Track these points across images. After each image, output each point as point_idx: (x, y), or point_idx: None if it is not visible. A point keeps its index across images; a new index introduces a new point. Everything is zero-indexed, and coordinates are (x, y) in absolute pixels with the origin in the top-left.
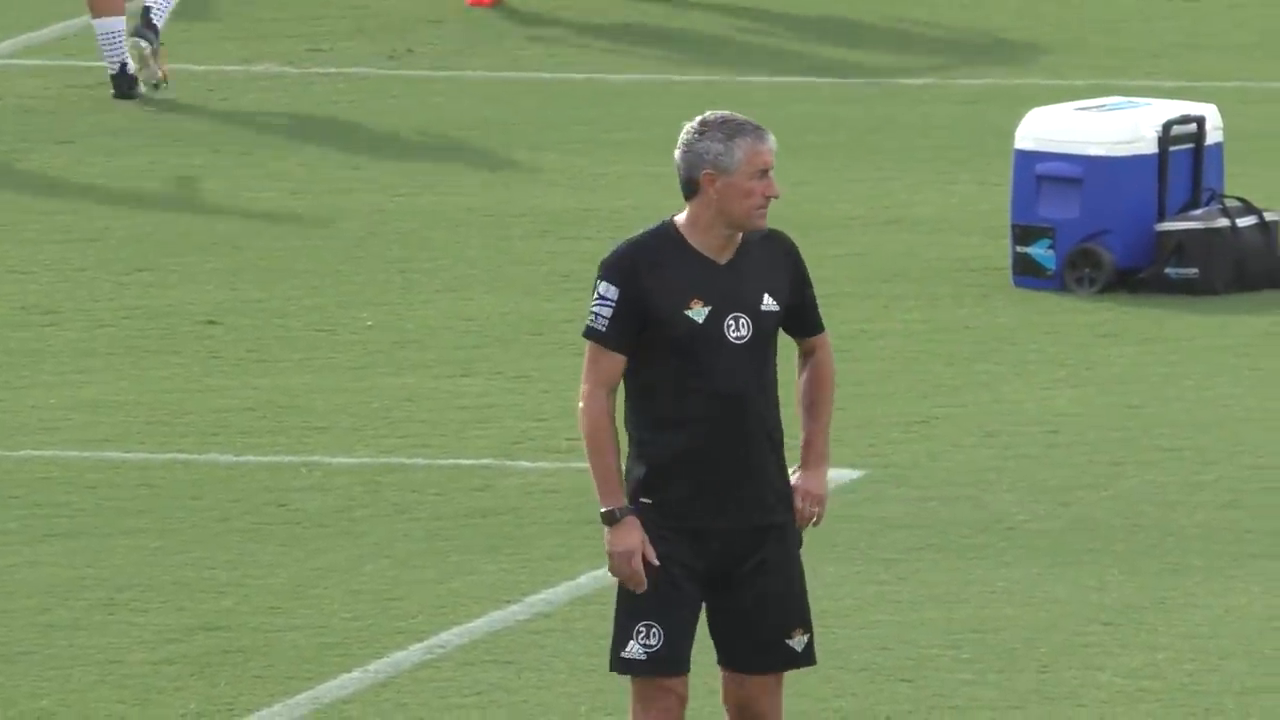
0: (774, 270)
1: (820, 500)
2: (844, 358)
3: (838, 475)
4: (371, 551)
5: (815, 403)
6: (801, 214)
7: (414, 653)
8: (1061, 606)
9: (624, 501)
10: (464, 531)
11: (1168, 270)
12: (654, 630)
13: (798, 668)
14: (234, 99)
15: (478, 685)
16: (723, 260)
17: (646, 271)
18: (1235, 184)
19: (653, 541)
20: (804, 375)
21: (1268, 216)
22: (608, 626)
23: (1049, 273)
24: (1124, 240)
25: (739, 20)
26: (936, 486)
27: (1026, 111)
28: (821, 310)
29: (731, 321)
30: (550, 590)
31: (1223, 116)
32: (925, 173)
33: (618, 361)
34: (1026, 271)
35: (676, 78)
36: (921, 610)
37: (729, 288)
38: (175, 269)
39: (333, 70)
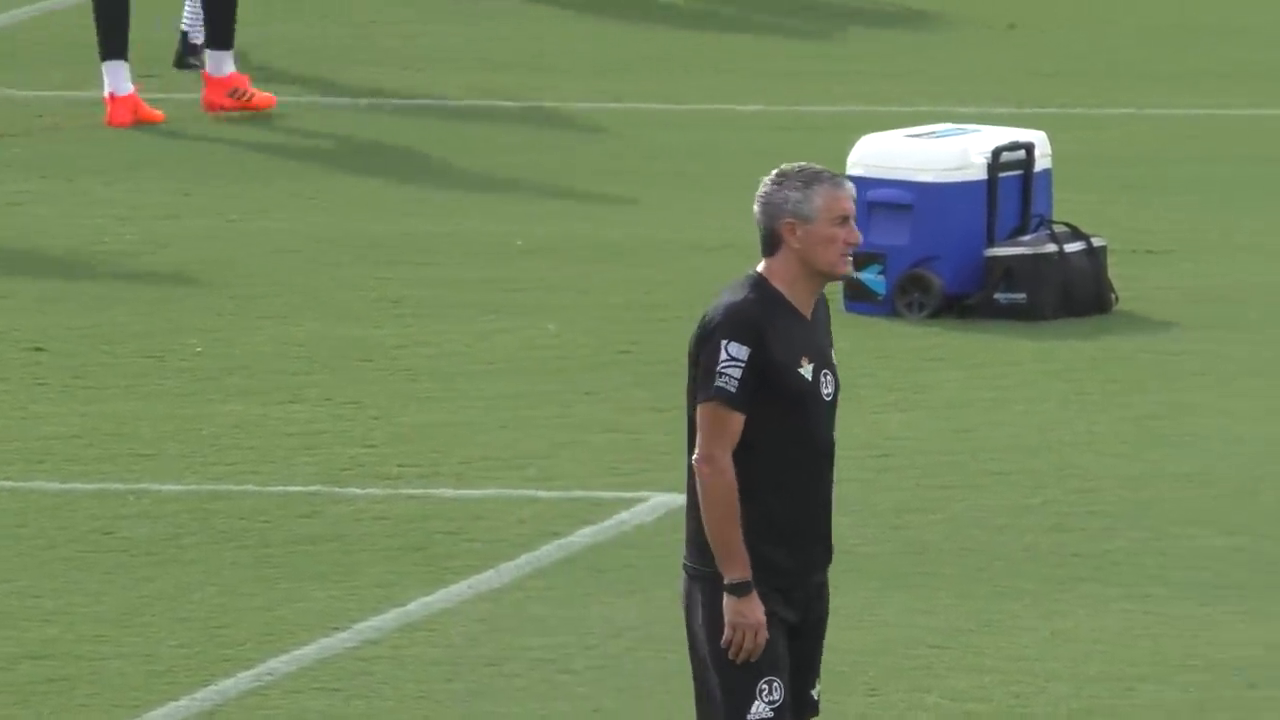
0: (828, 325)
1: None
2: (673, 382)
3: (671, 500)
4: (199, 579)
5: None
6: (630, 239)
7: (241, 680)
8: (891, 629)
9: (751, 572)
10: (292, 558)
11: (996, 295)
12: (775, 685)
13: (815, 717)
14: (61, 124)
15: (305, 713)
16: (808, 315)
17: (769, 330)
18: (1063, 210)
19: (763, 598)
20: None
21: (1095, 242)
22: (437, 653)
23: (879, 298)
24: (953, 266)
25: (566, 41)
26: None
27: (857, 138)
28: (656, 336)
29: (823, 378)
30: (379, 617)
31: (1051, 143)
32: (753, 198)
33: (741, 423)
34: (857, 297)
35: (503, 104)
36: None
37: (818, 344)
38: (1, 295)
39: (161, 96)
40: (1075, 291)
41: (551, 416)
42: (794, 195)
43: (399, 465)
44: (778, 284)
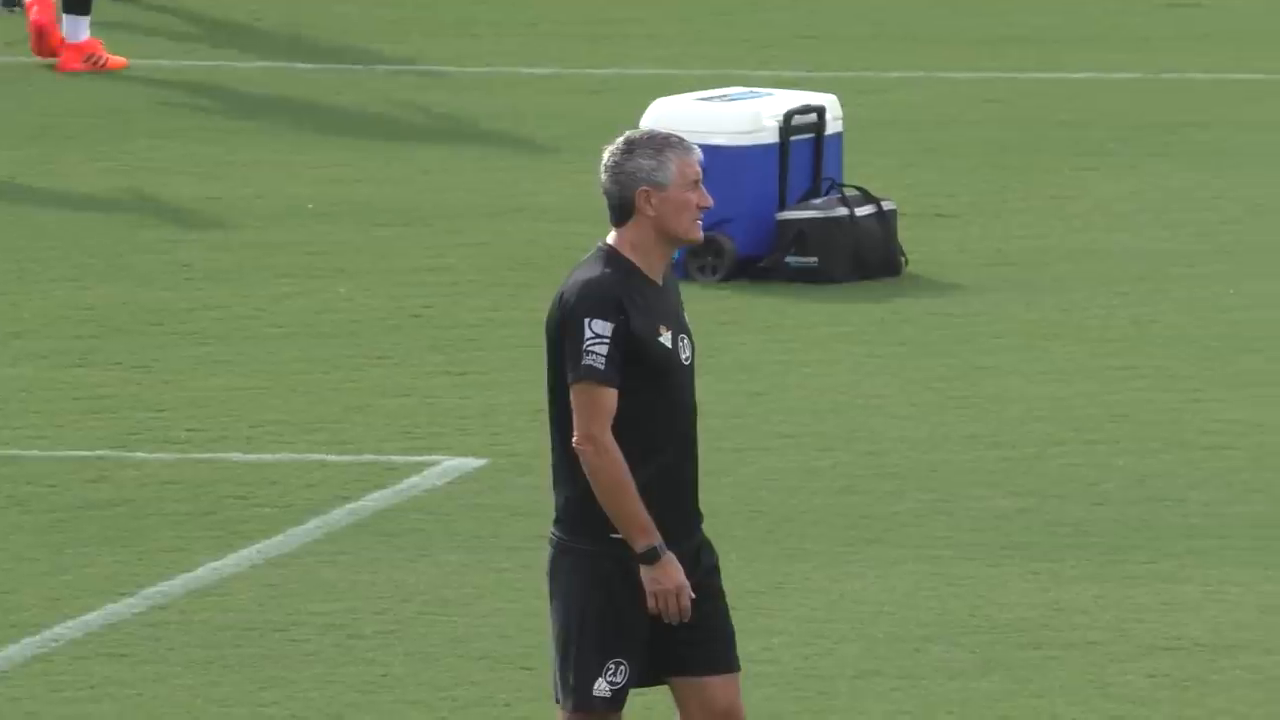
0: (678, 290)
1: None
2: (467, 346)
3: (462, 464)
4: None
5: None
6: (426, 202)
7: (25, 646)
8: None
9: (659, 537)
10: (80, 524)
11: (788, 259)
12: (622, 668)
13: (733, 670)
14: None
15: (91, 679)
16: (661, 283)
17: (628, 303)
18: (853, 174)
19: (624, 576)
20: None
21: (885, 206)
22: (226, 618)
23: (672, 261)
24: (745, 229)
25: (364, 6)
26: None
27: (649, 102)
28: (451, 300)
29: (681, 343)
30: (167, 583)
31: (842, 106)
32: (549, 162)
33: (615, 397)
34: None
35: (301, 65)
36: (542, 598)
37: (672, 310)
38: None
39: None
40: (866, 255)
41: (342, 381)
42: (647, 163)
43: (188, 430)
44: (629, 254)
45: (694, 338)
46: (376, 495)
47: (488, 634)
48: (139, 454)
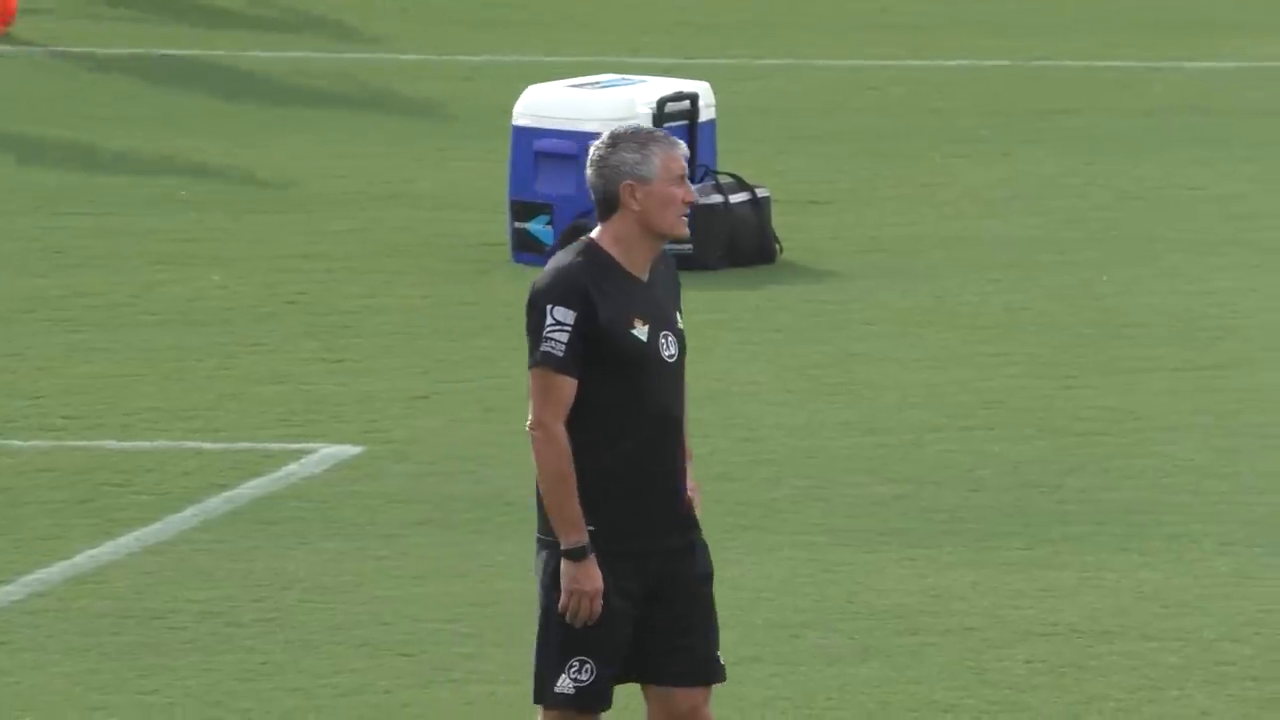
0: (673, 288)
1: (698, 489)
2: (344, 333)
3: (339, 451)
4: None
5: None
6: (300, 189)
7: None
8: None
9: (587, 537)
10: None
11: (663, 246)
12: (587, 666)
13: (721, 681)
14: None
15: None
16: (645, 278)
17: (596, 293)
18: (728, 161)
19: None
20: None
21: (759, 193)
22: (104, 606)
23: (547, 248)
24: None
25: None
26: (437, 462)
27: (523, 88)
28: (326, 287)
29: (663, 340)
30: (45, 570)
31: (715, 94)
32: (424, 148)
33: (573, 387)
34: (525, 247)
35: (172, 52)
36: (421, 584)
37: (656, 306)
38: None
39: None
40: (740, 242)
41: (218, 368)
42: (631, 157)
43: (63, 417)
44: (610, 247)
45: (685, 337)
46: (254, 483)
47: (367, 621)
48: (14, 442)
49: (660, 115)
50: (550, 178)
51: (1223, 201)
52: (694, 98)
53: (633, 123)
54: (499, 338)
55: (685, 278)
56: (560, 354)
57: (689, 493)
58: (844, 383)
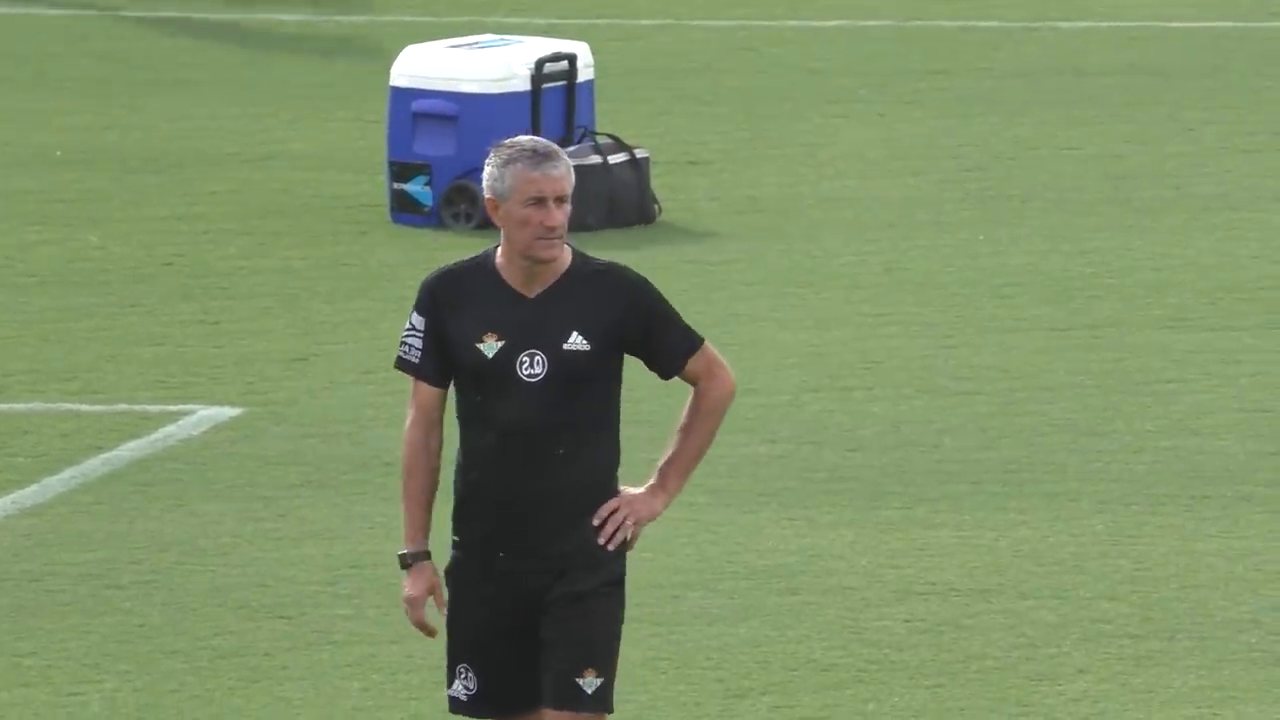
0: (594, 309)
1: (635, 513)
2: (221, 295)
3: (217, 413)
4: None
5: (684, 427)
6: (176, 150)
7: None
8: (440, 539)
9: (421, 546)
10: None
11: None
12: (469, 673)
13: (586, 711)
14: None
15: None
16: (531, 293)
17: (448, 301)
18: (606, 122)
19: (464, 581)
20: (687, 401)
21: (638, 154)
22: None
23: (426, 209)
24: None
25: None
26: (316, 423)
27: (401, 49)
28: (202, 249)
29: (527, 358)
30: None
31: (594, 54)
32: (300, 109)
33: (431, 392)
34: (404, 208)
35: (47, 11)
36: (300, 546)
37: (529, 323)
38: None
39: None
40: (620, 203)
41: (95, 329)
42: (492, 171)
43: None
44: (499, 258)
45: (571, 359)
46: (131, 445)
47: (245, 583)
48: None
49: (538, 75)
50: (428, 138)
51: (1098, 161)
52: (572, 58)
53: (526, 137)
54: (378, 299)
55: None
56: (412, 359)
57: (601, 518)
58: (724, 343)
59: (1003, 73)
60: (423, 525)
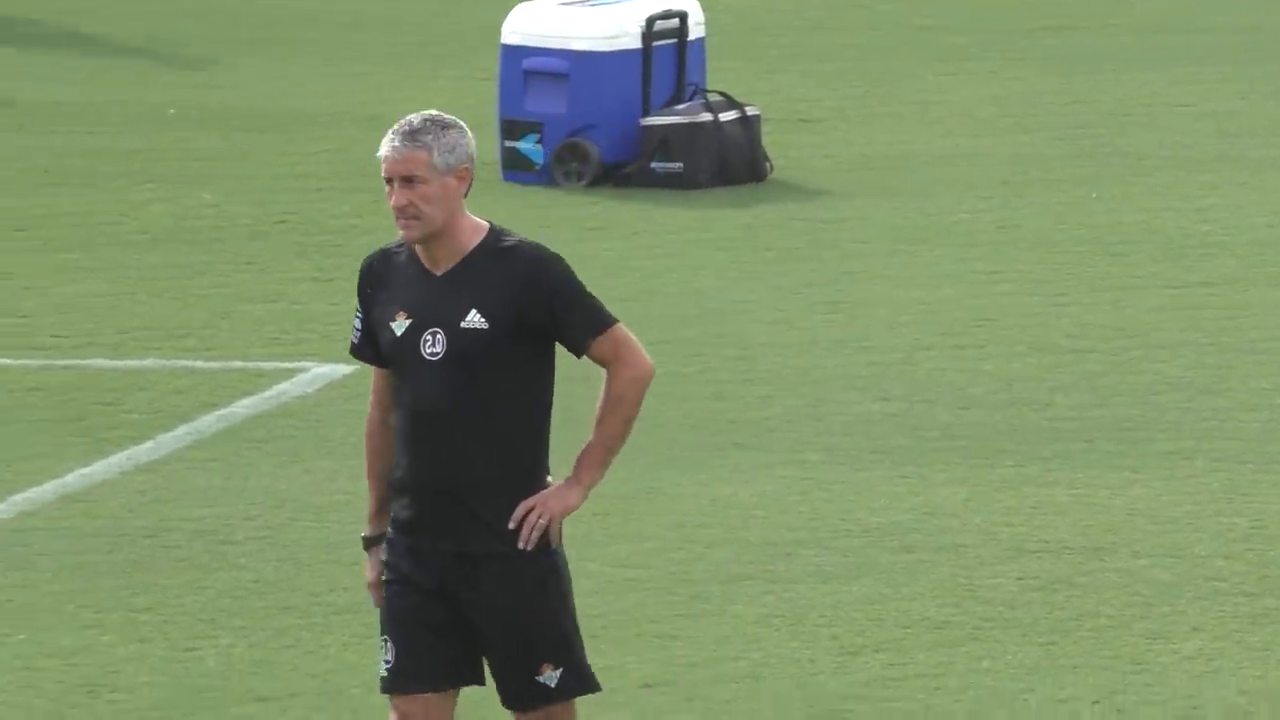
0: (496, 286)
1: (546, 509)
2: (335, 253)
3: (331, 370)
4: None
5: (598, 416)
6: (285, 109)
7: None
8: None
9: (379, 528)
10: None
11: (653, 165)
12: (389, 646)
13: (554, 703)
14: None
15: None
16: (439, 271)
17: (372, 282)
18: (717, 79)
19: (390, 557)
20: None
21: (749, 111)
22: (96, 525)
23: (537, 167)
24: (610, 135)
25: None
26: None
27: (512, 7)
28: (315, 206)
29: (429, 336)
30: (36, 489)
31: (704, 11)
32: (409, 67)
33: (379, 373)
34: (515, 166)
35: None
36: None
37: (433, 301)
38: None
39: None
40: (731, 160)
41: (209, 287)
42: None
43: (53, 336)
44: None
45: (467, 336)
46: (246, 402)
47: (358, 540)
48: (3, 360)
49: (649, 33)
50: (539, 96)
51: (1212, 118)
52: (683, 16)
53: (419, 112)
54: None
55: (676, 196)
56: (354, 340)
57: (516, 520)
58: (836, 301)
59: (1115, 29)
60: (377, 506)
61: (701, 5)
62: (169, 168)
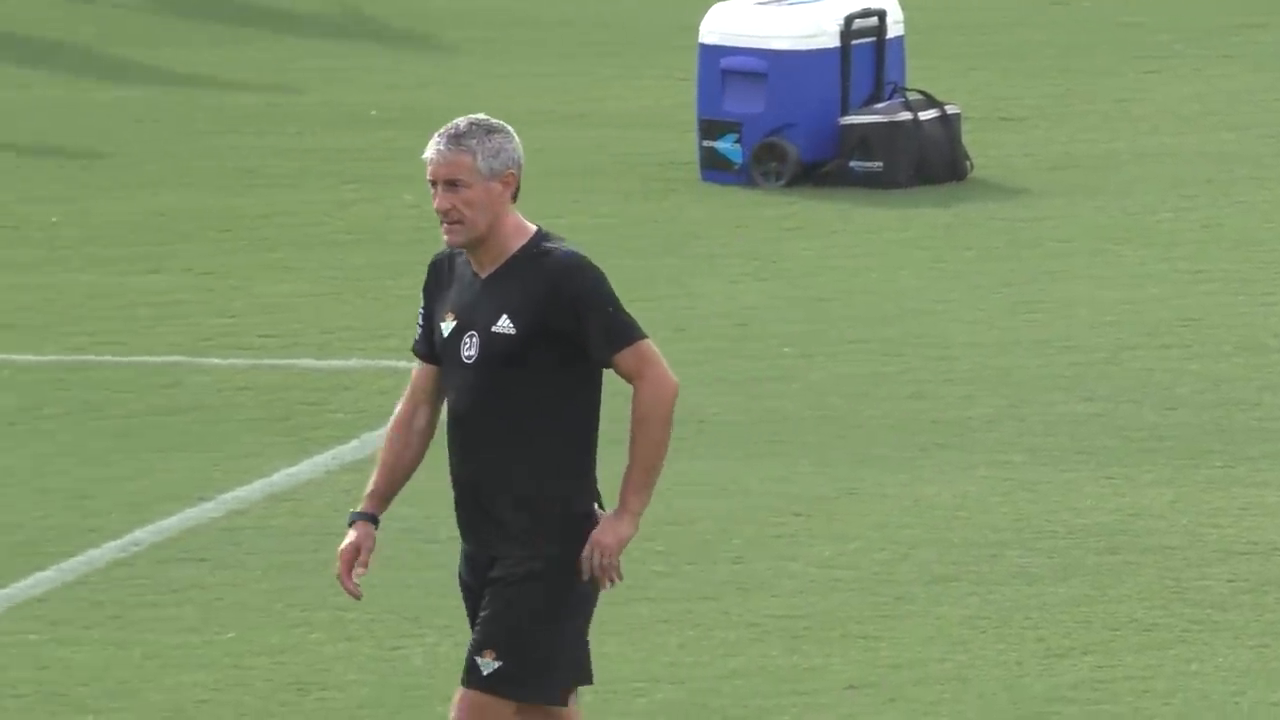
0: (527, 292)
1: (602, 548)
2: None
3: None
4: (61, 450)
5: (630, 440)
6: (489, 108)
7: (107, 551)
8: (753, 498)
9: (364, 508)
10: (155, 429)
11: (852, 164)
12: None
13: (479, 690)
14: None
15: (172, 583)
16: (484, 275)
17: (435, 281)
18: (917, 77)
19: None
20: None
21: (949, 110)
22: (302, 523)
23: (735, 167)
24: (809, 134)
25: None
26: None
27: (710, 6)
28: (517, 205)
29: (467, 339)
30: (244, 488)
31: (903, 9)
32: (611, 67)
33: (422, 369)
34: (713, 166)
35: None
36: (615, 503)
37: (474, 304)
38: None
39: None
40: (930, 159)
41: (412, 287)
42: None
43: (260, 336)
44: None
45: (496, 341)
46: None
47: None
48: (212, 360)
49: (847, 32)
50: (738, 96)
51: None
52: (882, 14)
53: (466, 116)
54: (687, 257)
55: (875, 195)
56: (416, 337)
57: (584, 560)
58: (1038, 300)
59: None
60: (378, 491)
61: (900, 3)
62: (371, 168)
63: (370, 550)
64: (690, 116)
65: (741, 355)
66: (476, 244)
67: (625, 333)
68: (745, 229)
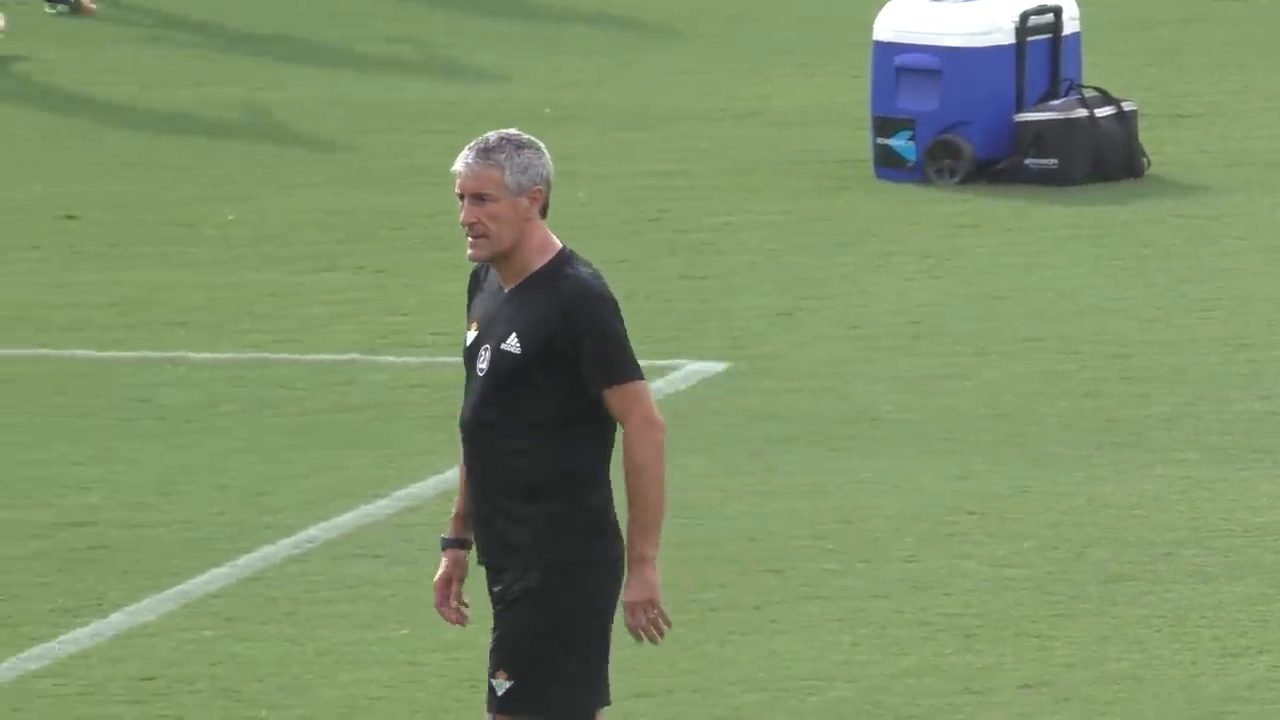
0: (536, 312)
1: (639, 607)
2: (707, 250)
3: (703, 368)
4: (238, 447)
5: (627, 491)
6: (664, 106)
7: (282, 547)
8: (926, 496)
9: (449, 533)
10: (331, 426)
11: (1027, 161)
12: None
13: (499, 712)
14: None
15: (346, 579)
16: (508, 289)
17: (473, 289)
18: (1093, 74)
19: None
20: None
21: (1125, 106)
22: None
23: (909, 164)
24: (983, 131)
25: None
26: (800, 378)
27: (885, 3)
28: (688, 204)
29: (482, 352)
30: (418, 485)
31: (1079, 6)
32: (785, 65)
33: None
34: (887, 163)
35: None
36: (787, 501)
37: (493, 318)
38: (32, 163)
39: None
40: (1106, 156)
41: None
42: None
43: (433, 334)
44: None
45: (504, 359)
46: None
47: (734, 537)
48: (386, 358)
49: (1023, 29)
50: (912, 93)
51: None
52: (1058, 11)
53: (499, 131)
54: (861, 254)
55: (1050, 192)
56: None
57: (630, 631)
58: (1215, 298)
59: None
60: (463, 513)
61: (1077, 0)
62: None
63: (461, 580)
64: (864, 114)
65: (915, 353)
66: (500, 259)
67: (620, 371)
68: (919, 226)
